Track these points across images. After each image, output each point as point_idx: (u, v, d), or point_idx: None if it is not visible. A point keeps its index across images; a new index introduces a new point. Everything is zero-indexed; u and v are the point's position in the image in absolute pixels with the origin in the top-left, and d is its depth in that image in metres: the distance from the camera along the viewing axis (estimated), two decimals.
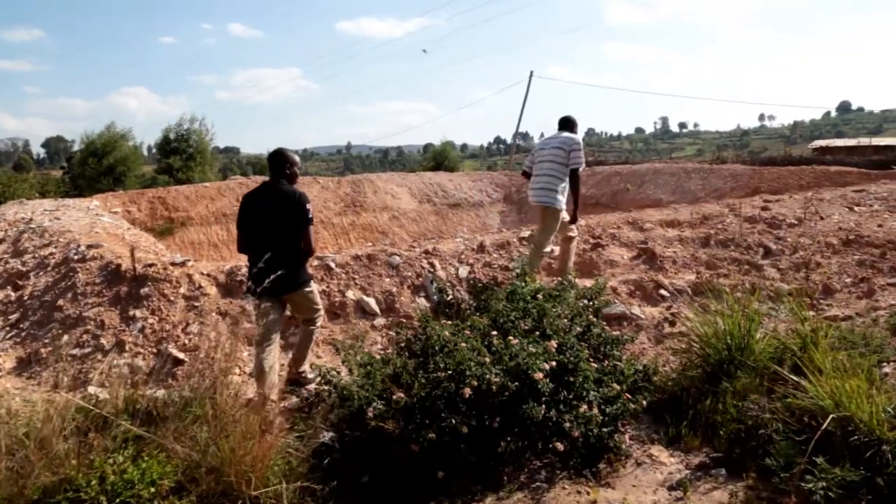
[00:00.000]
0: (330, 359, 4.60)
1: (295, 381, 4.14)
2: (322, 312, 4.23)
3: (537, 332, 3.70)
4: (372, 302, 5.22)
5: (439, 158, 28.14)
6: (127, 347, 4.52)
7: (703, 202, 12.76)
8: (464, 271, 5.64)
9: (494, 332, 3.57)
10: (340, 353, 4.16)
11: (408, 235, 19.46)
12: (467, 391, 3.16)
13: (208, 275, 5.25)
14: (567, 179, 5.38)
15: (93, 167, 24.25)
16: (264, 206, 3.83)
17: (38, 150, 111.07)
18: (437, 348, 3.47)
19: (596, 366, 3.58)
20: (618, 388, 3.55)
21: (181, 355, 4.45)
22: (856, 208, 7.31)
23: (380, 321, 5.09)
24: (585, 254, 6.04)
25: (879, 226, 6.45)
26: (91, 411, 3.39)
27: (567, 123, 5.61)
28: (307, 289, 4.04)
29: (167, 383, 4.25)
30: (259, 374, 3.89)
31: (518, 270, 4.46)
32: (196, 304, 4.94)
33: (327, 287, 5.31)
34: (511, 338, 3.54)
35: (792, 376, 3.49)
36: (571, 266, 5.63)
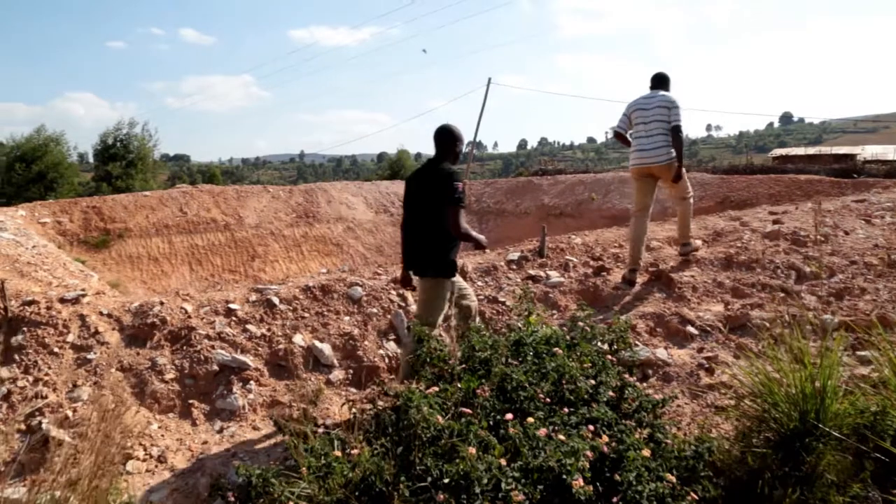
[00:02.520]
0: (270, 431, 3.43)
1: None
2: (440, 321, 3.53)
3: (566, 409, 2.64)
4: (326, 349, 4.02)
5: (395, 167, 27.19)
6: None
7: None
8: None
9: (509, 416, 2.48)
10: (284, 434, 3.02)
11: (363, 248, 18.27)
12: None
13: (109, 315, 3.98)
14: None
15: (20, 173, 22.65)
16: (415, 185, 3.63)
17: None
18: (424, 438, 2.37)
19: (647, 453, 2.55)
20: (673, 479, 2.54)
21: (61, 434, 3.19)
22: (872, 220, 6.54)
23: (337, 374, 3.91)
24: (588, 280, 5.00)
25: None
26: None
27: (662, 81, 5.34)
28: (433, 281, 3.50)
29: (38, 476, 3.02)
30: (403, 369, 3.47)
31: (520, 311, 3.41)
32: (89, 356, 3.67)
33: (268, 330, 4.10)
34: (531, 419, 2.47)
35: None
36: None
